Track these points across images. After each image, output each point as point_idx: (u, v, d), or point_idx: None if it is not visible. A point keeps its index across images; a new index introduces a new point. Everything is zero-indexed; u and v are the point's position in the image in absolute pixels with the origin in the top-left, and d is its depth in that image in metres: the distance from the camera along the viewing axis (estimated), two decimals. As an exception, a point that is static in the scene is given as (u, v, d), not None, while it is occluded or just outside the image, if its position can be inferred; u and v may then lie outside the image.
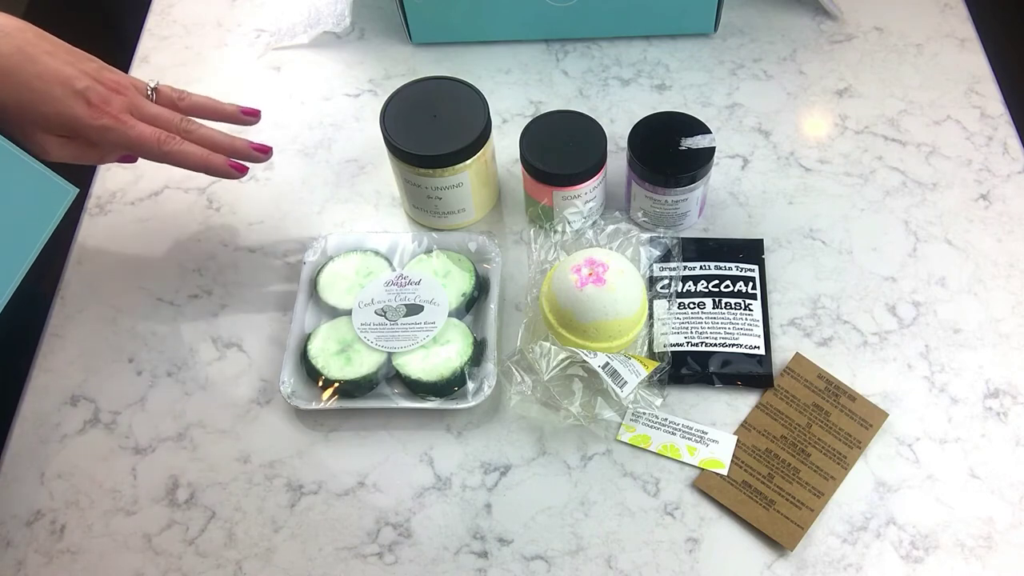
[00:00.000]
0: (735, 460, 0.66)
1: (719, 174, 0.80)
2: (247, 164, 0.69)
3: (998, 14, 0.96)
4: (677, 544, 0.63)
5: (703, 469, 0.66)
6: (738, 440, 0.67)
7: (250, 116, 0.72)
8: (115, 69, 0.67)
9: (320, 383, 0.68)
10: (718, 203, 0.79)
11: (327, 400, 0.68)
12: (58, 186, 0.63)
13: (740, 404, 0.69)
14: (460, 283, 0.72)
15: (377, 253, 0.74)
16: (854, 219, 0.77)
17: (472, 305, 0.73)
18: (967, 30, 0.89)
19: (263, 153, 0.70)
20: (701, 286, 0.73)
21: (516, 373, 0.67)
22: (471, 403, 0.67)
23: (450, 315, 0.70)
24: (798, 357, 0.70)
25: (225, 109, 0.71)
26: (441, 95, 0.74)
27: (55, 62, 0.63)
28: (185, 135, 0.67)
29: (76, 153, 0.67)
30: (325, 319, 0.72)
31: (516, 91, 0.87)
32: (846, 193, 0.79)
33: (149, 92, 0.68)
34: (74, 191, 0.64)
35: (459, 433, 0.68)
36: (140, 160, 0.84)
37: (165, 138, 0.65)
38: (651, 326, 0.71)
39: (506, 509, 0.65)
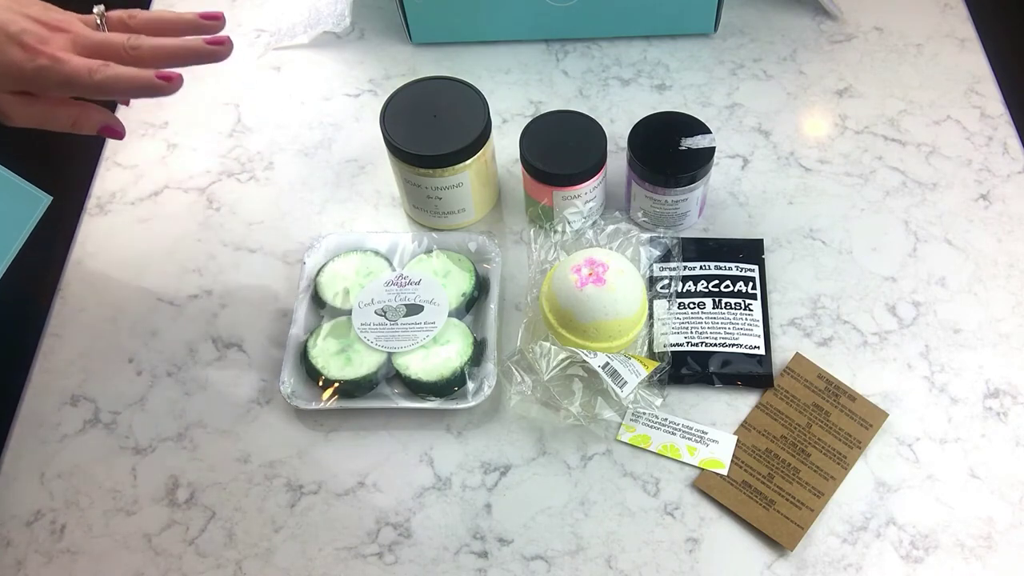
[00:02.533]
0: (735, 460, 0.66)
1: (719, 174, 0.80)
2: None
3: (998, 14, 0.96)
4: (677, 544, 0.63)
5: (703, 469, 0.66)
6: (738, 440, 0.67)
7: (211, 20, 0.66)
8: (64, 10, 0.63)
9: (320, 383, 0.68)
10: (718, 203, 0.79)
11: (327, 400, 0.68)
12: (31, 195, 0.62)
13: (740, 404, 0.69)
14: (460, 283, 0.72)
15: (377, 253, 0.74)
16: (854, 219, 0.77)
17: (472, 305, 0.73)
18: (967, 30, 0.89)
19: (221, 45, 0.63)
20: (701, 286, 0.73)
21: (516, 373, 0.67)
22: (471, 403, 0.67)
23: (450, 315, 0.70)
24: (798, 357, 0.70)
25: (183, 18, 0.65)
26: (441, 95, 0.74)
27: None
28: (133, 52, 0.61)
29: (41, 114, 0.62)
30: (325, 319, 0.72)
31: (516, 91, 0.87)
32: (846, 193, 0.79)
33: (99, 22, 0.63)
34: (47, 199, 0.62)
35: (459, 433, 0.68)
36: (140, 160, 0.84)
37: (97, 67, 0.59)
38: (651, 326, 0.71)
39: (506, 509, 0.65)
